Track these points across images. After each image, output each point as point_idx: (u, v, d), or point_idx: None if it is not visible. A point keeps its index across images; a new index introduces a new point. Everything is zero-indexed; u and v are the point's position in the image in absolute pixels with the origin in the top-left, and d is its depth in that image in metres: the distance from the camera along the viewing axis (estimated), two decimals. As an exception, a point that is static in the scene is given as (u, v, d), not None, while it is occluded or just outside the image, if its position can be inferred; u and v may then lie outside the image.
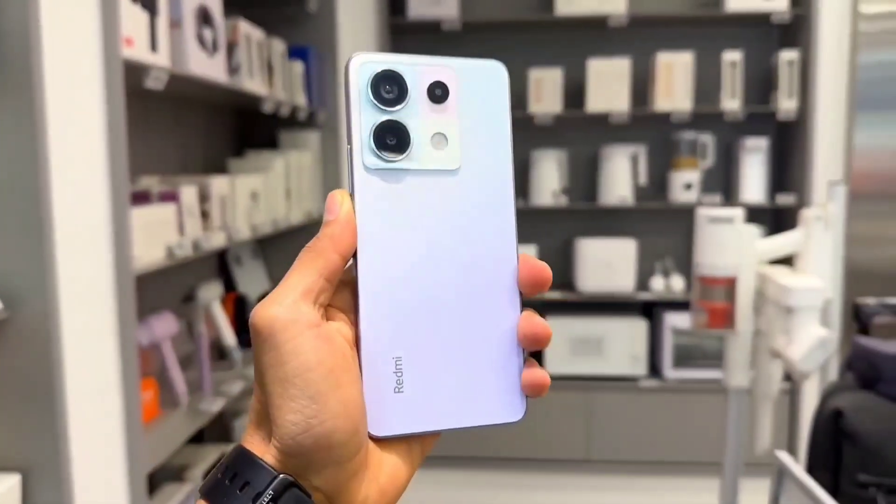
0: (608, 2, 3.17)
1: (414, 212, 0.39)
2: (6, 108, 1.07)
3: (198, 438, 2.08)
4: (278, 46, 2.27)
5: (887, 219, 3.06)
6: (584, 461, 3.25)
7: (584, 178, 3.46)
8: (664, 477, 3.16)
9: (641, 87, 3.30)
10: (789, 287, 1.58)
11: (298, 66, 2.42)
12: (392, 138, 0.38)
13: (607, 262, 3.23)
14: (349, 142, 0.38)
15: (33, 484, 1.13)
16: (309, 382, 0.34)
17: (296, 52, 2.44)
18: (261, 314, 0.35)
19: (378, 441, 0.38)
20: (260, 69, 2.11)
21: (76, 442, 1.17)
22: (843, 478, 1.36)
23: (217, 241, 1.79)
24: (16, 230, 1.09)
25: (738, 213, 1.74)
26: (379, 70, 0.38)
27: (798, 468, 1.22)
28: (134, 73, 1.42)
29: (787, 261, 1.80)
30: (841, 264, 1.75)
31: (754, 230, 1.76)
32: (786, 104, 3.13)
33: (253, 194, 2.06)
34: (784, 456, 1.26)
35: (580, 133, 3.42)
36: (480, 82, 0.40)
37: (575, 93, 3.31)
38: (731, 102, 3.18)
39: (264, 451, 0.36)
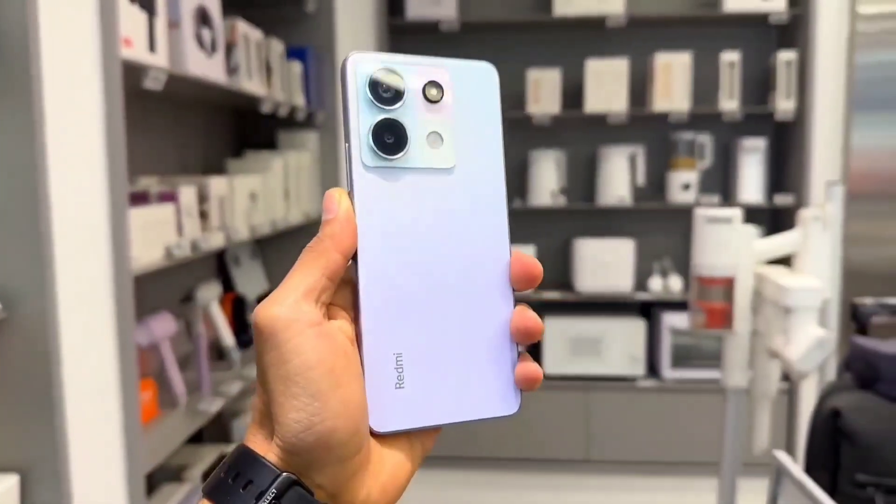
0: (606, 2, 3.18)
1: (411, 210, 0.39)
2: (5, 108, 1.07)
3: (196, 439, 2.08)
4: (277, 47, 2.27)
5: (885, 219, 3.06)
6: (583, 461, 3.25)
7: (583, 178, 3.46)
8: (663, 477, 3.16)
9: (640, 87, 3.31)
10: (787, 287, 1.59)
11: (297, 67, 2.42)
12: (390, 137, 0.39)
13: (605, 263, 3.23)
14: (347, 140, 0.39)
15: (32, 484, 1.13)
16: (310, 381, 0.34)
17: (294, 53, 2.44)
18: (262, 314, 0.36)
19: (380, 437, 0.38)
20: (258, 69, 2.11)
21: (75, 442, 1.17)
22: (842, 477, 1.36)
23: (216, 241, 1.79)
24: (14, 231, 1.09)
25: (736, 213, 1.74)
26: (376, 69, 0.39)
27: (796, 468, 1.22)
28: (132, 73, 1.42)
29: (785, 261, 1.80)
30: (839, 264, 1.75)
31: (752, 230, 1.77)
32: (784, 104, 3.14)
33: (251, 195, 2.06)
34: (782, 456, 1.26)
35: (578, 133, 3.42)
36: (473, 83, 0.41)
37: (573, 93, 3.31)
38: (729, 103, 3.18)
39: (267, 449, 0.36)
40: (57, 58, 1.14)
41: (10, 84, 1.07)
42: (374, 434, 0.38)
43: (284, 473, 0.35)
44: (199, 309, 1.93)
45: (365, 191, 0.38)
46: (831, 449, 1.40)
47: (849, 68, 3.00)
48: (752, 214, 2.93)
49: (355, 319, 0.38)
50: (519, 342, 0.41)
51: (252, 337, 2.17)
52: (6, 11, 1.05)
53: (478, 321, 0.40)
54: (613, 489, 3.14)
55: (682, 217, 3.04)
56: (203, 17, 1.73)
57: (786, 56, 3.11)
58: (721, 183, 3.40)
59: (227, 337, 2.07)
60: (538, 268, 0.40)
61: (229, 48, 1.94)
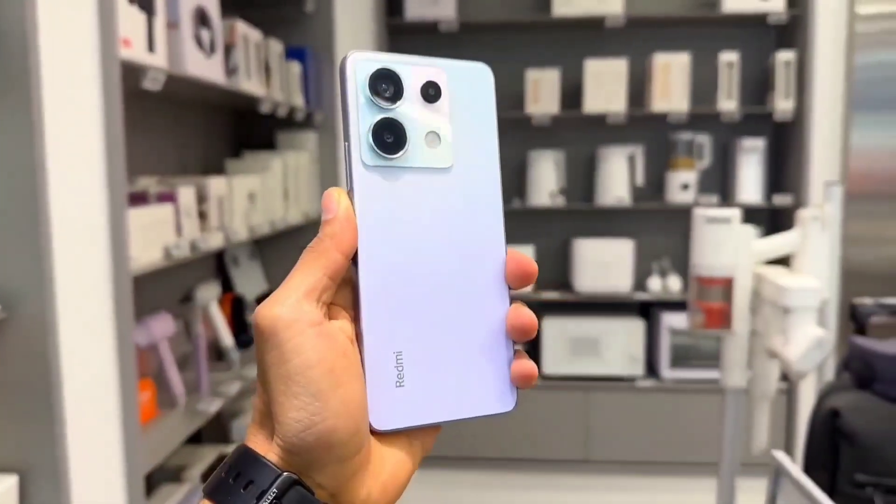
0: (605, 2, 3.18)
1: (410, 209, 0.39)
2: (4, 108, 1.07)
3: (195, 439, 2.08)
4: (276, 47, 2.27)
5: (884, 219, 3.06)
6: (582, 461, 3.25)
7: (582, 178, 3.46)
8: (662, 477, 3.16)
9: (638, 87, 3.31)
10: (786, 287, 1.59)
11: (296, 67, 2.42)
12: (390, 136, 0.39)
13: (604, 263, 3.24)
14: (346, 139, 0.39)
15: (31, 484, 1.13)
16: (310, 380, 0.35)
17: (293, 53, 2.44)
18: (263, 314, 0.36)
19: (381, 436, 0.38)
20: (257, 70, 2.11)
21: (74, 442, 1.17)
22: (840, 477, 1.36)
23: (215, 241, 1.79)
24: (13, 231, 1.09)
25: (734, 213, 1.74)
26: (376, 68, 0.39)
27: (795, 468, 1.22)
28: (131, 73, 1.42)
29: (783, 261, 1.80)
30: (837, 264, 1.75)
31: (751, 230, 1.77)
32: (782, 105, 3.14)
33: (250, 195, 2.06)
34: (781, 456, 1.26)
35: (577, 133, 3.42)
36: (469, 83, 0.41)
37: (572, 93, 3.31)
38: (728, 103, 3.19)
39: (267, 449, 0.36)
40: (56, 58, 1.14)
41: (10, 84, 1.07)
42: (375, 432, 0.38)
43: (285, 473, 0.35)
44: (198, 309, 1.93)
45: (365, 190, 0.38)
46: (830, 449, 1.40)
47: (848, 68, 3.00)
48: (751, 214, 2.93)
49: (355, 319, 0.38)
50: (515, 339, 0.41)
51: (251, 337, 2.18)
52: (6, 11, 1.05)
53: (475, 319, 0.40)
54: (613, 489, 3.14)
55: (681, 217, 3.04)
56: (202, 18, 1.73)
57: (785, 56, 3.11)
58: (720, 183, 3.40)
59: (226, 337, 2.07)
60: (533, 266, 0.41)
61: (228, 48, 1.94)
